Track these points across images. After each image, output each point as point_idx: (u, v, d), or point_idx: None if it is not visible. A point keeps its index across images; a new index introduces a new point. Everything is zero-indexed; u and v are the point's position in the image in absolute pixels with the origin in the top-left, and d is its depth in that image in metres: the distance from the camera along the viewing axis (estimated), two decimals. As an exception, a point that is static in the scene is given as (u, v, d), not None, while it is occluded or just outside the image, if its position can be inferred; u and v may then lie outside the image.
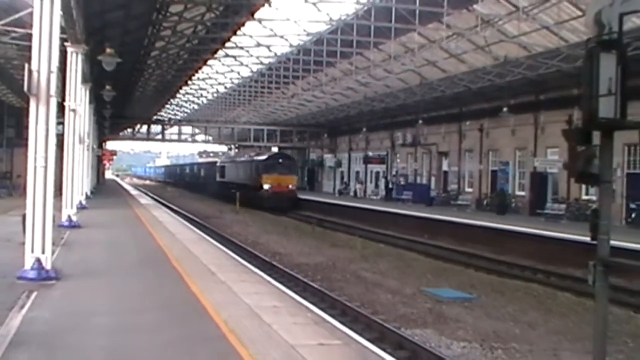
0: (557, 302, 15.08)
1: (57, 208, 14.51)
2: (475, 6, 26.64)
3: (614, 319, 11.56)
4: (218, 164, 62.58)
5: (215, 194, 57.27)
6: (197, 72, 46.94)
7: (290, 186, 45.42)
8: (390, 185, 47.92)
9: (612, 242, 8.74)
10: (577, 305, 14.36)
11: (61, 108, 16.18)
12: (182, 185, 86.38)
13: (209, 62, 42.92)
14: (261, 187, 44.46)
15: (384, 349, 8.00)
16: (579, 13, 23.15)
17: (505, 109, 34.18)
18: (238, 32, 33.67)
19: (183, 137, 71.39)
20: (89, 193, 34.52)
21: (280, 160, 47.55)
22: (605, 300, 8.92)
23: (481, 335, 11.52)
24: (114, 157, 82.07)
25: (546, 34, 27.08)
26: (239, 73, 49.55)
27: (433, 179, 45.09)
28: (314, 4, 28.87)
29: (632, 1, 8.17)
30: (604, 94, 8.30)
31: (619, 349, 10.44)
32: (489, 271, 19.41)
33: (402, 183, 47.15)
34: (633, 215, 26.56)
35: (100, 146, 57.69)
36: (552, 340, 11.48)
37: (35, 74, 10.26)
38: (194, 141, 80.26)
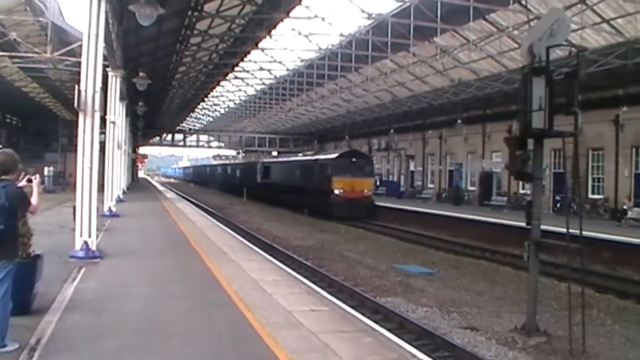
0: (500, 274, 15.23)
1: (100, 201, 14.46)
2: (435, 39, 26.81)
3: (543, 287, 11.75)
4: (261, 164, 47.47)
5: (256, 198, 43.51)
6: (212, 91, 46.69)
7: (365, 191, 31.42)
8: (377, 183, 46.39)
9: (542, 227, 8.96)
10: (515, 277, 14.52)
11: (103, 121, 16.10)
12: (213, 187, 70.10)
13: (222, 82, 42.75)
14: (331, 191, 30.70)
15: (363, 314, 8.06)
16: (516, 45, 23.33)
17: (459, 121, 34.48)
18: (245, 59, 33.66)
19: (200, 143, 71.20)
20: (125, 189, 34.33)
21: (354, 160, 32.24)
22: (536, 272, 9.11)
23: (440, 302, 11.63)
24: (146, 160, 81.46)
25: (491, 62, 27.26)
26: (245, 92, 49.38)
27: (402, 177, 45.21)
28: (306, 36, 28.83)
29: (556, 37, 8.36)
30: (536, 109, 8.48)
31: (546, 310, 10.60)
32: (447, 251, 19.51)
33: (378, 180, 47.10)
34: (558, 205, 26.88)
35: (134, 151, 57.21)
36: (496, 305, 11.62)
37: (83, 94, 10.32)
38: (209, 147, 79.85)
